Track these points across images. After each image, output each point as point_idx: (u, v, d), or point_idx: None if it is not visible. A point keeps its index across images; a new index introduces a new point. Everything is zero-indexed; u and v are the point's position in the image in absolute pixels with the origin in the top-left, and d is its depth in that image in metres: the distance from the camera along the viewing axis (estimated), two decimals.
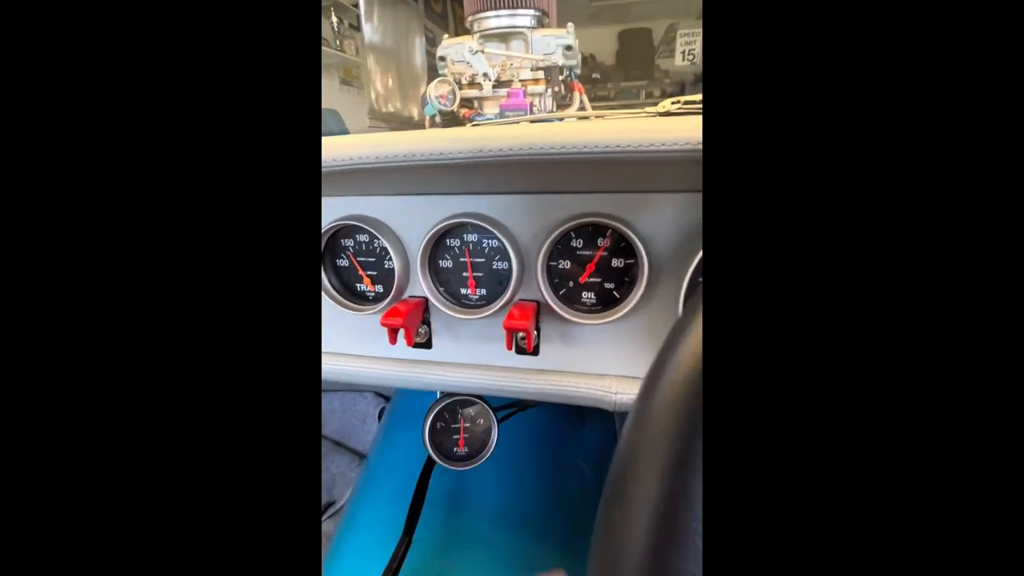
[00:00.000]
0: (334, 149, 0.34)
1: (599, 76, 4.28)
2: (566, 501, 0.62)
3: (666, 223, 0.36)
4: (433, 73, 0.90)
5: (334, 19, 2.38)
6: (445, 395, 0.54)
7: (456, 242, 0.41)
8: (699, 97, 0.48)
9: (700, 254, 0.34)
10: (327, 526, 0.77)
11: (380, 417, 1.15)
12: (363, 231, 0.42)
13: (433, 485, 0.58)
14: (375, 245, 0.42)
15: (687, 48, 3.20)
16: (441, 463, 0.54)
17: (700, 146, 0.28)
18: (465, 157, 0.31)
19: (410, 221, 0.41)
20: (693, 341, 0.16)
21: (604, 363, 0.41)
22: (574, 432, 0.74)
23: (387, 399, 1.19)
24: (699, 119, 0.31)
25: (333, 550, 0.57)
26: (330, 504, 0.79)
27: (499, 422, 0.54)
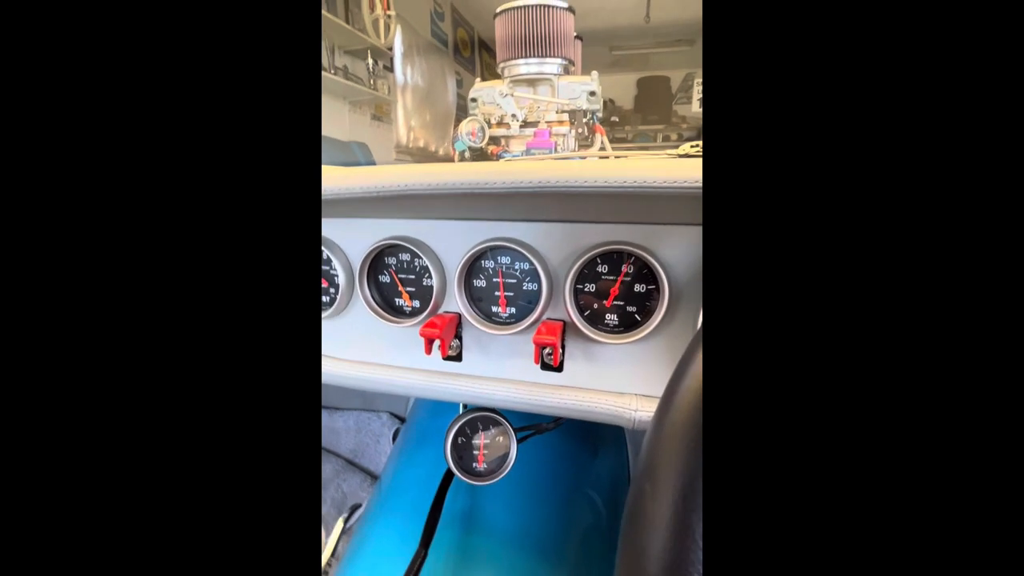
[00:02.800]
0: (384, 177, 0.39)
1: (618, 119, 4.44)
2: (578, 528, 0.63)
3: (685, 253, 0.39)
4: (461, 113, 0.96)
5: (370, 61, 2.55)
6: (467, 411, 0.56)
7: (491, 263, 0.44)
8: None
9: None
10: (341, 542, 0.78)
11: (395, 438, 1.16)
12: (405, 250, 0.46)
13: (448, 504, 0.59)
14: (416, 264, 0.46)
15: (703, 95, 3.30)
16: (460, 476, 0.56)
17: None
18: (503, 188, 0.35)
19: (449, 243, 0.45)
20: (697, 368, 0.18)
21: (625, 382, 0.43)
22: (587, 463, 0.74)
23: (402, 420, 1.20)
24: None
25: (346, 565, 0.58)
26: (355, 507, 0.80)
27: (518, 442, 0.56)
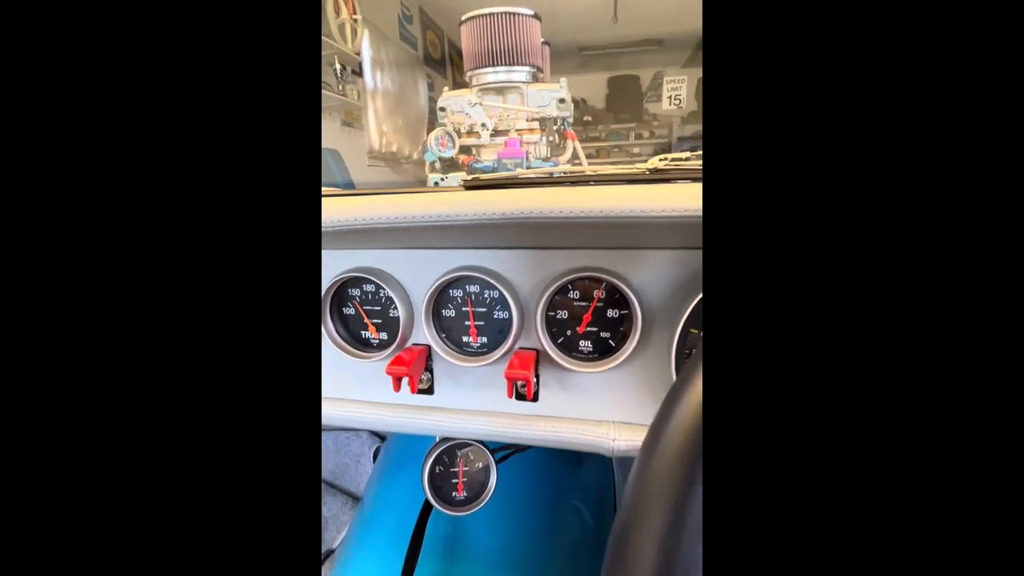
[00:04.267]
0: (347, 210, 0.37)
1: (590, 119, 4.47)
2: (565, 543, 0.62)
3: (657, 277, 0.38)
4: (432, 116, 0.95)
5: (337, 66, 2.49)
6: (443, 439, 0.55)
7: (459, 292, 0.43)
8: (684, 155, 0.51)
9: (690, 307, 0.36)
10: (323, 570, 0.76)
11: (375, 457, 1.13)
12: (369, 281, 0.44)
13: (430, 529, 0.58)
14: (381, 295, 0.44)
15: (673, 93, 3.36)
16: (439, 508, 0.54)
17: (683, 213, 0.31)
18: (469, 220, 0.34)
19: (415, 273, 0.43)
20: (689, 400, 0.18)
21: (602, 410, 0.42)
22: (571, 474, 0.74)
23: (382, 439, 1.17)
24: (683, 188, 0.34)
25: None
26: (329, 552, 0.77)
27: (497, 463, 0.55)
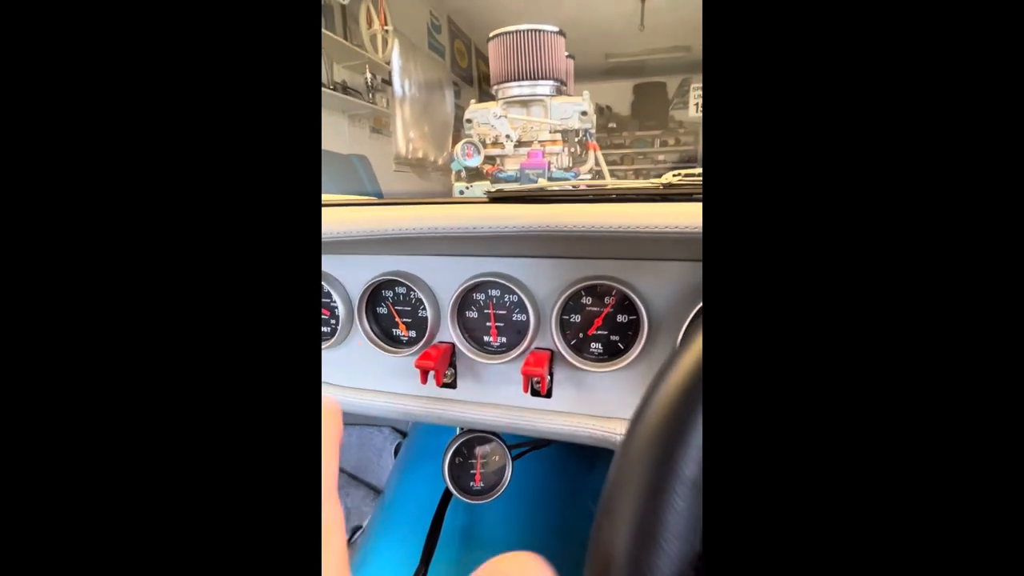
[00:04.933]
0: (382, 220, 0.41)
1: (615, 126, 4.48)
2: (577, 540, 0.65)
3: (664, 286, 0.41)
4: (458, 124, 0.99)
5: (368, 75, 2.59)
6: (463, 432, 0.59)
7: (481, 296, 0.47)
8: (697, 171, 0.54)
9: (692, 314, 0.39)
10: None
11: (396, 453, 1.18)
12: (401, 284, 0.48)
13: (448, 521, 0.61)
14: (411, 297, 0.49)
15: (700, 100, 3.34)
16: (458, 496, 0.58)
17: (687, 229, 0.34)
18: (492, 232, 0.38)
19: (443, 277, 0.47)
20: (665, 389, 0.21)
21: (611, 407, 0.45)
22: (584, 475, 0.76)
23: (403, 435, 1.22)
24: (691, 206, 0.37)
25: None
26: (357, 529, 0.82)
27: (513, 460, 0.59)
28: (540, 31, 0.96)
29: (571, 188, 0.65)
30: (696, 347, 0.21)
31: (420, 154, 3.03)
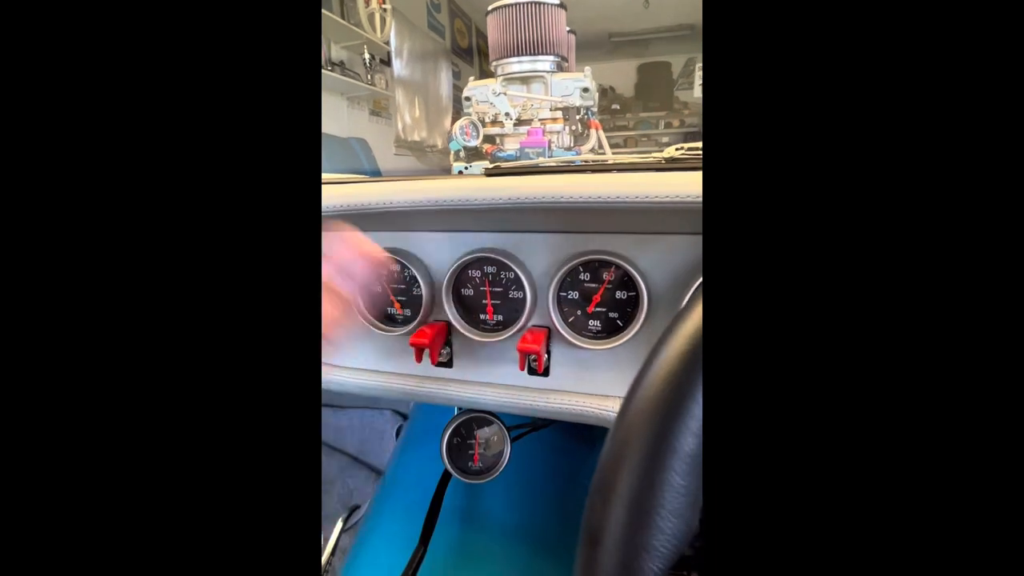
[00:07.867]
0: (374, 194, 0.40)
1: (619, 107, 4.40)
2: (575, 521, 0.65)
3: (663, 261, 0.40)
4: (458, 105, 0.97)
5: (366, 55, 2.53)
6: (462, 412, 0.58)
7: (477, 273, 0.46)
8: (699, 145, 0.53)
9: (692, 290, 0.38)
10: (345, 538, 0.81)
11: (397, 434, 1.19)
12: (396, 261, 0.47)
13: (447, 500, 0.61)
14: (406, 274, 0.48)
15: None
16: (456, 476, 0.58)
17: (689, 199, 0.33)
18: (488, 203, 0.37)
19: (438, 254, 0.46)
20: (663, 357, 0.20)
21: (609, 385, 0.44)
22: (585, 456, 0.76)
23: (404, 417, 1.23)
24: (690, 175, 0.35)
25: (350, 562, 0.61)
26: (354, 508, 0.83)
27: (512, 441, 0.58)
28: (540, 3, 0.93)
29: (572, 163, 0.63)
30: (696, 314, 0.20)
31: (419, 136, 2.99)
